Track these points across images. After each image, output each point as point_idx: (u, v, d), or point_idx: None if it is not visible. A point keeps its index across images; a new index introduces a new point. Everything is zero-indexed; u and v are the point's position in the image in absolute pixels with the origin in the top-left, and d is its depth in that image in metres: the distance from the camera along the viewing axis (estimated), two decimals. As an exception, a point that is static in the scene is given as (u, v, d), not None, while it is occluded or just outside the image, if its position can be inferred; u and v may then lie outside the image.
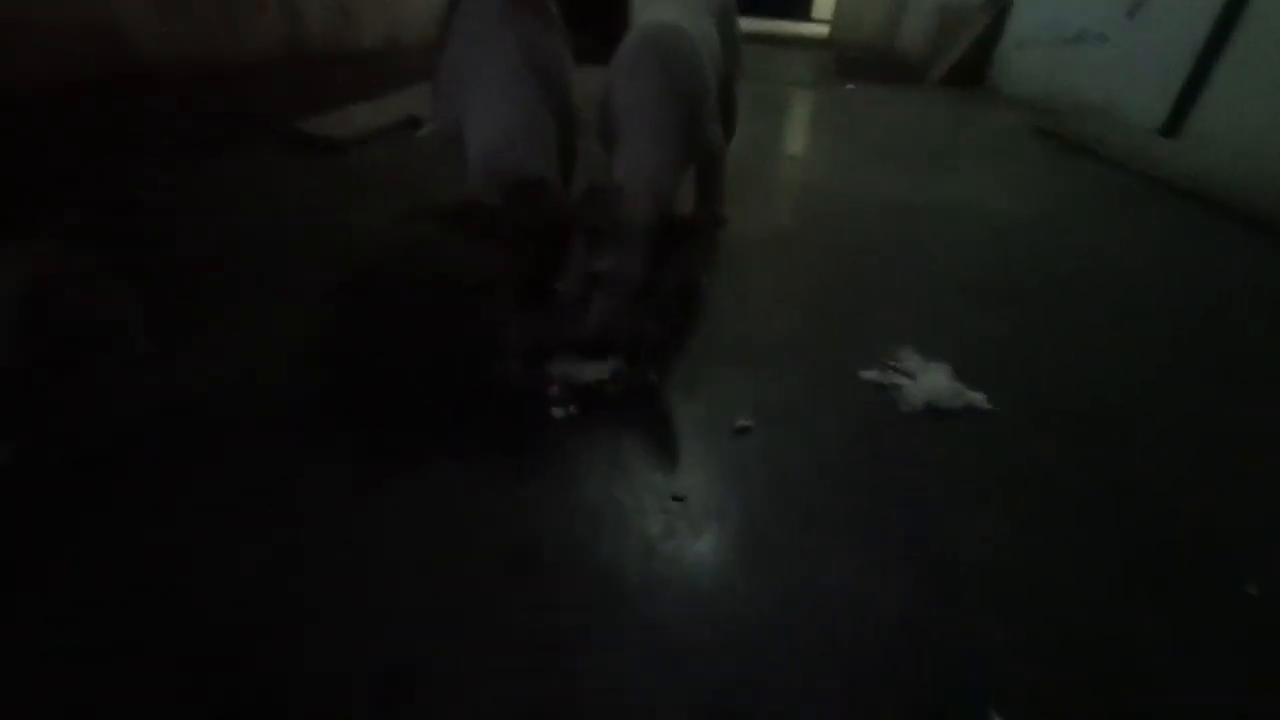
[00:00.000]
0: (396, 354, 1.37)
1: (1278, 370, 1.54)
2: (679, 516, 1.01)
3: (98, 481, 1.00)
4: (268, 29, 3.17)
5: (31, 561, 0.87)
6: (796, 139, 3.95)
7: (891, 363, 1.42)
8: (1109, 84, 4.29)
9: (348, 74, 3.45)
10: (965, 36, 5.87)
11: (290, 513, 0.97)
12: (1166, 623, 0.88)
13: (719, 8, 1.86)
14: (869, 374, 1.38)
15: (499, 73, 1.24)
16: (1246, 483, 1.16)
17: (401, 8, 4.33)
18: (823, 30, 7.79)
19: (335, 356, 1.36)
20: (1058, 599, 0.91)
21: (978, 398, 1.31)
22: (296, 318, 1.48)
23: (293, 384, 1.26)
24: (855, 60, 6.56)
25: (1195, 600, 0.92)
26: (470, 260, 1.13)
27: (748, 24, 8.80)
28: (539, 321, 1.17)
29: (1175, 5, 3.74)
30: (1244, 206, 2.63)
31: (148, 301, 1.45)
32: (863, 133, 3.99)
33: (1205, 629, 0.88)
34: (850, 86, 5.54)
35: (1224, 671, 0.82)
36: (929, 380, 1.34)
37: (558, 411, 1.20)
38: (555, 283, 1.22)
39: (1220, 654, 0.84)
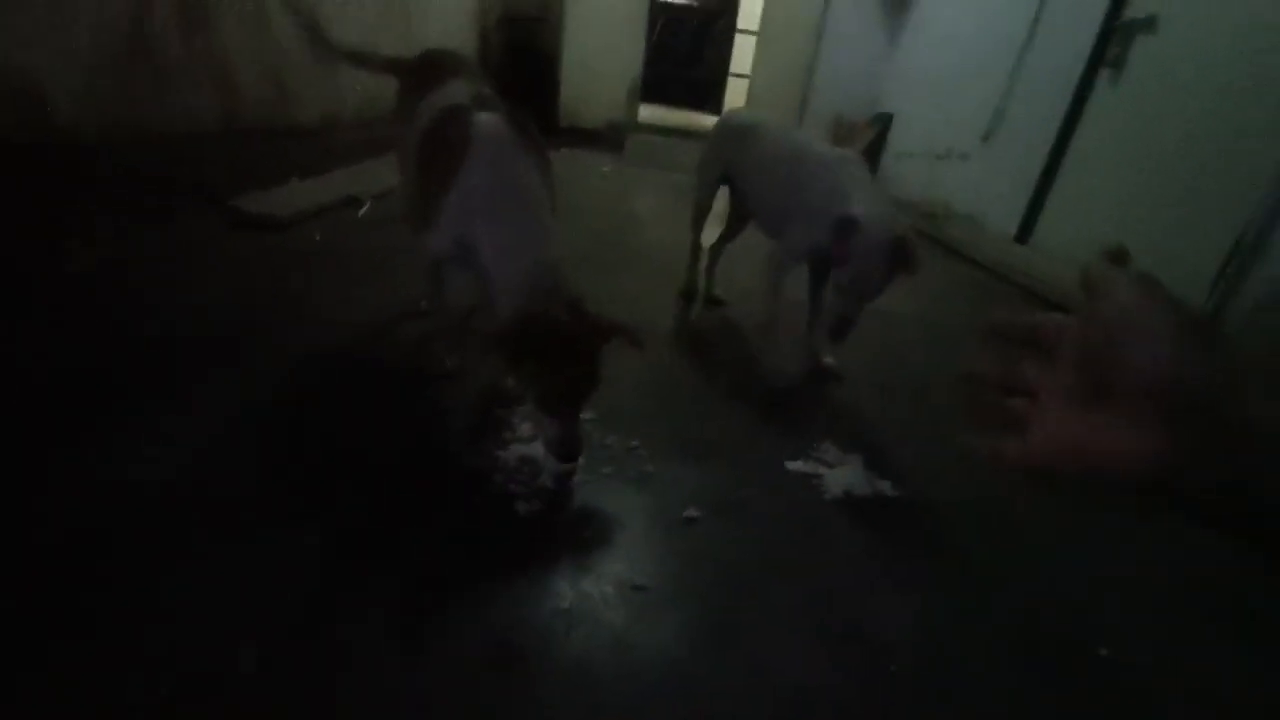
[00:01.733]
0: (352, 443, 1.41)
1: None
2: (642, 606, 1.11)
3: (59, 590, 0.97)
4: (201, 102, 3.16)
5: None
6: (707, 233, 4.32)
7: (813, 454, 1.62)
8: (973, 196, 5.05)
9: (284, 150, 3.47)
10: (856, 146, 6.71)
11: (257, 611, 0.99)
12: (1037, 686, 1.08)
13: None
14: (795, 465, 1.57)
15: (528, 203, 1.40)
16: (1098, 559, 1.43)
17: (340, 86, 4.41)
18: (733, 126, 8.56)
19: (290, 444, 1.38)
20: (961, 670, 1.09)
21: (885, 486, 1.52)
22: (246, 403, 1.48)
23: (251, 475, 1.27)
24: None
25: (1059, 660, 1.13)
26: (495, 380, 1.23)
27: (664, 114, 9.47)
28: (573, 429, 1.29)
29: (1020, 136, 4.54)
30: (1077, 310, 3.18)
31: (84, 385, 1.42)
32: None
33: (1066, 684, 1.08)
34: (760, 181, 6.13)
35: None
36: (843, 472, 1.54)
37: (522, 507, 1.28)
38: (590, 395, 1.33)
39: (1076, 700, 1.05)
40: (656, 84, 10.79)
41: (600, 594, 1.12)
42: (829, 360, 2.10)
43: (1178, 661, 1.17)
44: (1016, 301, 3.39)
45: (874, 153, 6.63)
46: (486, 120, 1.48)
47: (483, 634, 1.01)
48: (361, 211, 3.15)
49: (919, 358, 2.41)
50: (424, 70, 1.87)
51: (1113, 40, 3.76)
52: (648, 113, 9.02)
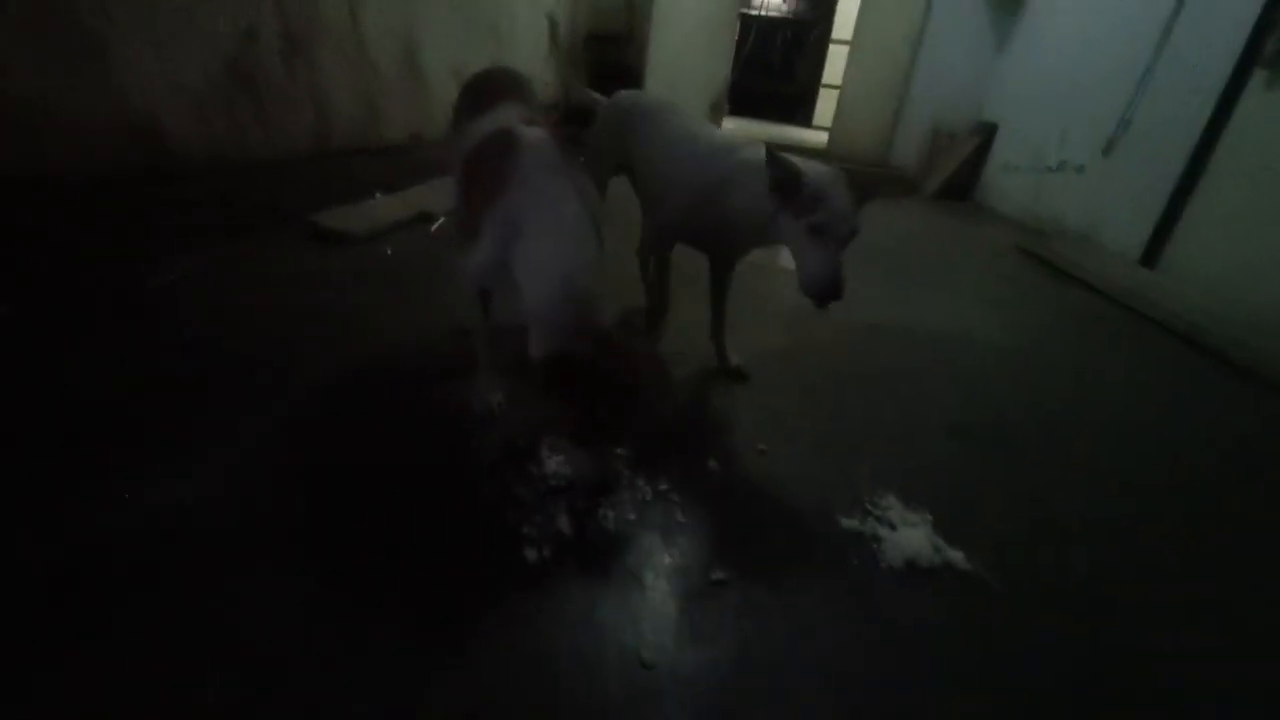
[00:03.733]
0: (377, 471, 1.37)
1: (1260, 525, 1.55)
2: (644, 686, 0.98)
3: (61, 617, 0.98)
4: (298, 126, 3.37)
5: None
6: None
7: (873, 509, 1.42)
8: (1089, 212, 4.51)
9: (369, 167, 3.64)
10: (955, 155, 6.23)
11: (231, 655, 0.94)
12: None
13: None
14: (850, 522, 1.38)
15: (572, 229, 1.32)
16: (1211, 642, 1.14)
17: (426, 105, 4.61)
18: (823, 139, 8.26)
19: (313, 472, 1.35)
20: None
21: (956, 557, 1.30)
22: (282, 425, 1.48)
23: (267, 504, 1.25)
24: (854, 171, 6.92)
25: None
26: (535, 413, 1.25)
27: (753, 128, 9.29)
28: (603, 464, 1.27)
29: (1151, 143, 4.00)
30: (1216, 345, 2.71)
31: (123, 401, 1.47)
32: (858, 247, 4.15)
33: None
34: (846, 196, 5.81)
35: None
36: (908, 535, 1.33)
37: (530, 553, 1.18)
38: (626, 428, 1.28)
39: None
40: (745, 97, 10.63)
41: (599, 665, 1.00)
42: (736, 360, 2.00)
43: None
44: (1137, 333, 2.94)
45: (975, 165, 6.14)
46: (532, 139, 1.42)
47: (455, 701, 0.92)
48: (434, 227, 3.22)
49: (1015, 402, 2.11)
50: (478, 90, 1.85)
51: (1271, 35, 3.23)
52: (733, 125, 8.89)
